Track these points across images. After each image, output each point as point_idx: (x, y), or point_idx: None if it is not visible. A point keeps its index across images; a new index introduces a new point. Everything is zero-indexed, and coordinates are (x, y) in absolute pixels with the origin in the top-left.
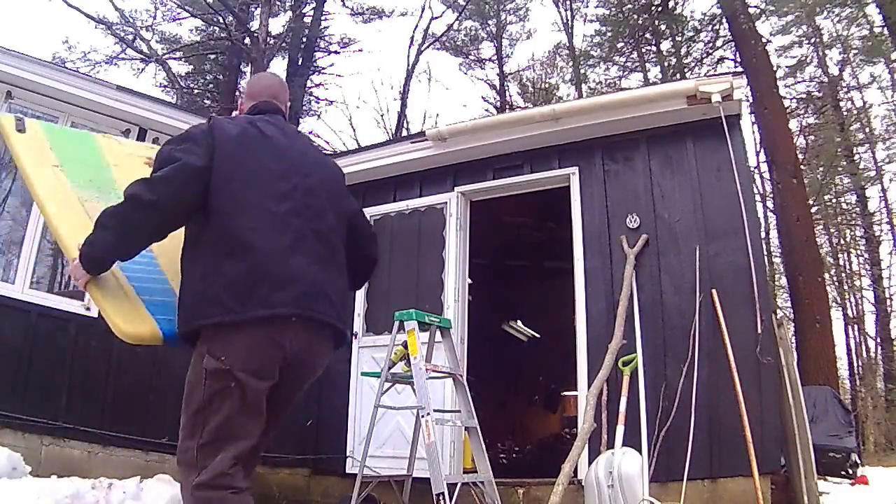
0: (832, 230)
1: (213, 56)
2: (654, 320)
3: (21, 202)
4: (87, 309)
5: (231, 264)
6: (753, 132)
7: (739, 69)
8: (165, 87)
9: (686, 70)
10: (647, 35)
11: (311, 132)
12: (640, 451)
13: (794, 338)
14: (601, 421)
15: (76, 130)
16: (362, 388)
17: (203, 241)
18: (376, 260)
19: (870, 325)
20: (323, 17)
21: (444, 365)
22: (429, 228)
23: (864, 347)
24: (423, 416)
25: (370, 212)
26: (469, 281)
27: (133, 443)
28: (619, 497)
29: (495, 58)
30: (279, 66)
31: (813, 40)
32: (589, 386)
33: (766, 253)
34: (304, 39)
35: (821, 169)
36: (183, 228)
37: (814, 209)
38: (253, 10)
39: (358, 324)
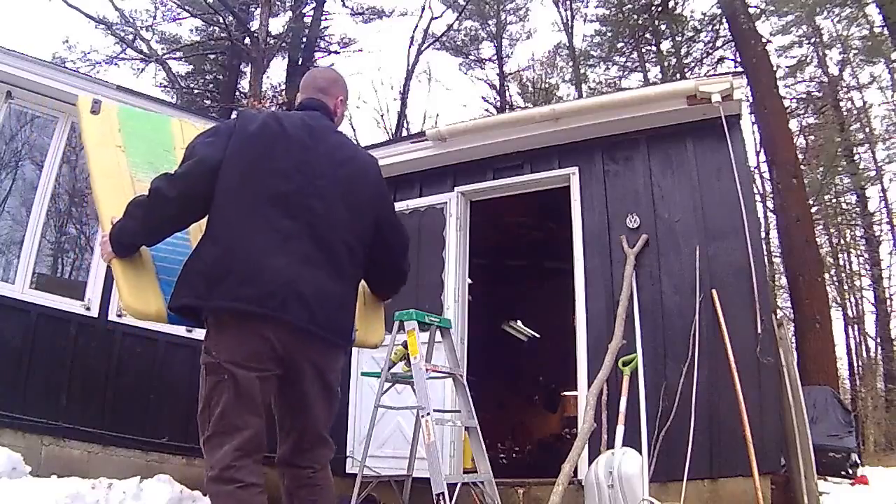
0: (832, 230)
1: (213, 56)
2: (654, 320)
3: (21, 202)
4: (87, 309)
5: (209, 251)
6: (753, 132)
7: (739, 69)
8: (165, 87)
9: (686, 70)
10: (647, 35)
11: None
12: (640, 451)
13: (794, 338)
14: (601, 421)
15: (156, 114)
16: (362, 388)
17: (204, 227)
18: (401, 272)
19: (870, 325)
20: (323, 17)
21: (444, 365)
22: (429, 228)
23: (864, 347)
24: (423, 416)
25: None
26: (469, 281)
27: (133, 443)
28: (619, 497)
29: (495, 58)
30: (279, 66)
31: (813, 40)
32: (589, 386)
33: (766, 253)
34: (304, 39)
35: (821, 169)
36: None
37: (814, 209)
38: (253, 10)
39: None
